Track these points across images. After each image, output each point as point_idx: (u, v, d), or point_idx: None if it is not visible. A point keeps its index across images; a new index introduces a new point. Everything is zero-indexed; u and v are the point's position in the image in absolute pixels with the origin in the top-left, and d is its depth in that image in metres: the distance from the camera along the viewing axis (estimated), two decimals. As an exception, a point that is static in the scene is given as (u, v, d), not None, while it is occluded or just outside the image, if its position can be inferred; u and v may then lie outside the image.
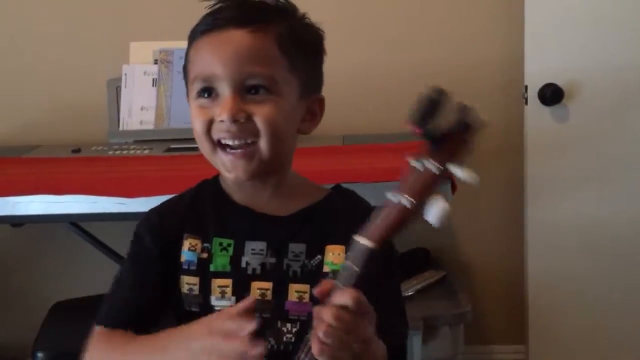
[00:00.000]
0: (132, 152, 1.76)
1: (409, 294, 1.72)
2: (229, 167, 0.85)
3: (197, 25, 0.88)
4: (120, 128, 1.87)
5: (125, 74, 1.89)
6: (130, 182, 1.53)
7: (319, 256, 0.88)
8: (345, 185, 1.45)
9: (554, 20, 1.88)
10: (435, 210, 0.68)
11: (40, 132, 2.01)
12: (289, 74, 0.86)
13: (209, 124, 0.85)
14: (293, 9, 0.90)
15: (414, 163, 0.68)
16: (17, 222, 1.77)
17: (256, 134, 0.84)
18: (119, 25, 1.98)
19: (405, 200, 0.68)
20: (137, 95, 1.89)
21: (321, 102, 0.93)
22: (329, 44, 2.19)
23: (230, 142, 0.84)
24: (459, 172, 0.67)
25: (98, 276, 0.96)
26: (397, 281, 0.94)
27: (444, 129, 0.67)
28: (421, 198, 0.68)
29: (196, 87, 0.86)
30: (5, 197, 1.53)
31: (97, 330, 0.88)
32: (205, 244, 0.89)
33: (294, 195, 0.91)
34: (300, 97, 0.89)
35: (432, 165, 0.67)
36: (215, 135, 0.85)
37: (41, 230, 1.98)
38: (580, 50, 1.89)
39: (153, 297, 0.89)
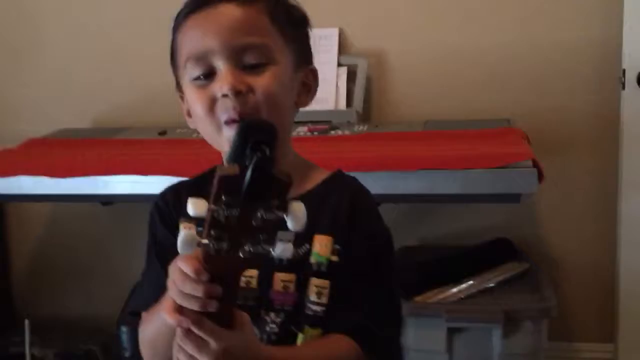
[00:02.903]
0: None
1: (490, 285, 1.67)
2: None
3: (181, 9, 0.87)
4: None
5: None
6: (213, 163, 1.56)
7: (306, 245, 0.85)
8: (423, 172, 1.42)
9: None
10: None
11: (129, 115, 2.09)
12: (283, 44, 0.85)
13: (212, 103, 0.83)
14: None
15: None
16: (107, 200, 1.85)
17: (258, 107, 0.82)
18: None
19: None
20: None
21: (314, 73, 0.92)
22: (411, 25, 2.14)
23: (237, 119, 0.81)
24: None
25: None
26: (385, 270, 0.89)
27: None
28: None
29: (190, 68, 0.84)
30: (96, 176, 1.60)
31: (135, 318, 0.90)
32: (199, 228, 0.89)
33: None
34: (295, 69, 0.87)
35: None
36: (222, 116, 0.82)
37: (129, 208, 2.06)
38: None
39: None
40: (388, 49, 1.99)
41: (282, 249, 0.66)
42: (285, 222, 0.66)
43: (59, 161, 1.68)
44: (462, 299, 1.62)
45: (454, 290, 1.64)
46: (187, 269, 0.68)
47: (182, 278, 0.68)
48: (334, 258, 0.85)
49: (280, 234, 0.66)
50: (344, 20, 1.98)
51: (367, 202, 0.90)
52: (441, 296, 1.62)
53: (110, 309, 1.93)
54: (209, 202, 0.64)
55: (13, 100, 2.18)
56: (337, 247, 0.85)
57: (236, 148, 0.66)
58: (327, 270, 0.85)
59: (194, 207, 0.65)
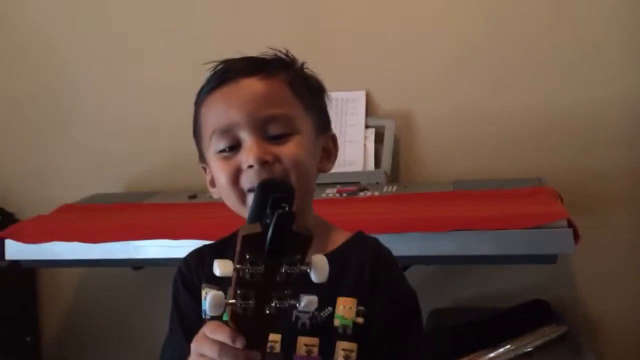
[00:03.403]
0: (244, 198, 1.80)
1: (528, 350, 1.60)
2: None
3: (204, 86, 0.90)
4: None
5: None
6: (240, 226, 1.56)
7: (329, 308, 0.85)
8: (455, 233, 1.41)
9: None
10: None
11: (159, 179, 2.12)
12: (304, 113, 0.88)
13: (236, 174, 0.85)
14: (293, 60, 0.93)
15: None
16: (138, 264, 1.86)
17: (286, 175, 0.84)
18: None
19: None
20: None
21: (334, 139, 0.95)
22: (438, 86, 2.16)
23: None
24: None
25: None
26: (412, 331, 0.88)
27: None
28: None
29: (215, 141, 0.87)
30: (127, 241, 1.61)
31: None
32: None
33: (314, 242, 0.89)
34: (316, 136, 0.90)
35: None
36: (246, 185, 0.84)
37: (160, 273, 2.06)
38: None
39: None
40: (415, 109, 2.00)
41: (307, 302, 0.67)
42: (308, 275, 0.67)
43: (92, 227, 1.70)
44: (499, 364, 1.56)
45: (491, 355, 1.58)
46: (222, 336, 0.67)
47: (218, 347, 0.67)
48: (360, 320, 0.84)
49: (303, 297, 0.67)
50: (371, 83, 2.00)
51: (389, 264, 0.90)
52: (477, 361, 1.57)
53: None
54: (233, 263, 0.65)
55: (46, 168, 2.24)
56: (362, 308, 0.85)
57: (257, 207, 0.68)
58: (353, 333, 0.84)
59: (221, 267, 0.65)
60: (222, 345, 0.67)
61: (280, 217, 0.63)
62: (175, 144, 2.10)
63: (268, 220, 0.64)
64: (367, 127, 1.95)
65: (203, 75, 0.93)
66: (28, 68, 2.25)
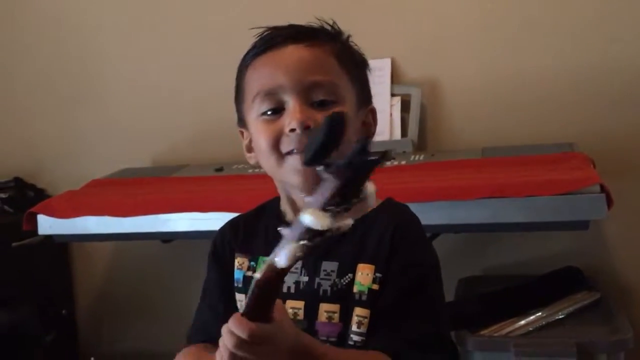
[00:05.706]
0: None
1: (560, 317, 1.59)
2: (299, 168, 0.84)
3: (250, 50, 0.91)
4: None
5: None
6: (270, 197, 1.56)
7: (350, 274, 0.86)
8: (485, 200, 1.39)
9: None
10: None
11: (186, 153, 2.13)
12: (349, 84, 0.88)
13: (277, 137, 0.85)
14: (340, 32, 0.93)
15: None
16: (167, 238, 1.88)
17: None
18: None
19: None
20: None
21: (373, 113, 0.95)
22: (464, 52, 2.12)
23: (302, 150, 0.83)
24: None
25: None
26: (427, 299, 0.87)
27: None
28: None
29: (258, 103, 0.87)
30: (156, 214, 1.63)
31: (183, 346, 0.94)
32: (252, 262, 0.91)
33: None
34: (357, 109, 0.90)
35: None
36: (285, 148, 0.84)
37: (189, 245, 2.09)
38: None
39: (228, 309, 0.90)
40: (441, 77, 1.97)
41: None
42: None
43: (121, 201, 1.72)
44: (530, 331, 1.55)
45: (522, 322, 1.57)
46: (240, 331, 0.69)
47: (236, 341, 0.69)
48: (375, 287, 0.85)
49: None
50: (396, 50, 1.97)
51: (410, 231, 0.90)
52: (508, 329, 1.56)
53: (166, 346, 1.94)
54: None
55: (75, 144, 2.27)
56: (379, 275, 0.85)
57: (321, 139, 0.63)
58: (367, 299, 0.85)
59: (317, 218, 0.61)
60: (238, 338, 0.69)
61: (333, 118, 0.61)
62: (201, 118, 2.12)
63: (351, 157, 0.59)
64: (392, 95, 1.93)
65: (230, 50, 0.92)
66: (57, 47, 2.26)
